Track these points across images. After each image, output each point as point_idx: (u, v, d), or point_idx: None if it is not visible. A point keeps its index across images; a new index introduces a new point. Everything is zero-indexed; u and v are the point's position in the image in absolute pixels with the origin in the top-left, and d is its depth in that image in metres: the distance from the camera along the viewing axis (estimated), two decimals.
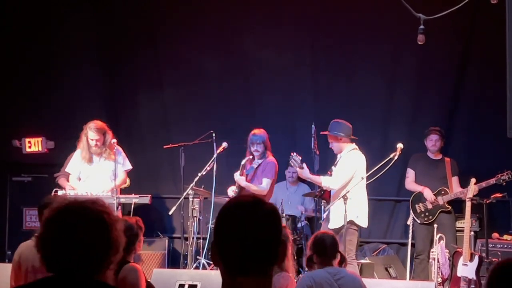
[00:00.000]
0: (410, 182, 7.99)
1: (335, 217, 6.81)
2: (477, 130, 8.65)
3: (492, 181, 7.09)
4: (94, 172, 7.40)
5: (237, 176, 7.41)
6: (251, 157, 7.56)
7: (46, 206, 4.69)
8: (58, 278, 2.18)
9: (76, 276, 2.16)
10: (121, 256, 4.26)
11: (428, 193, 7.71)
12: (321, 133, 7.16)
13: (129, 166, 7.54)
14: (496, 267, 2.24)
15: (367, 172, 6.93)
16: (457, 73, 8.85)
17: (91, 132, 7.24)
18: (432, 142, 7.86)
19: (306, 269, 7.70)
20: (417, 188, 7.86)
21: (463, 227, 7.12)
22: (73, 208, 2.23)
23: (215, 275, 3.94)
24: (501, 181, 7.06)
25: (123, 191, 7.59)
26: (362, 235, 8.78)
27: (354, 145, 7.06)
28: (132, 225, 4.55)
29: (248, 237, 1.90)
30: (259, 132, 7.56)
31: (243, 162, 7.49)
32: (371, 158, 7.26)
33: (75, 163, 7.46)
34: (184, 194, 7.46)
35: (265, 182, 7.43)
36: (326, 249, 4.61)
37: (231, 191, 7.55)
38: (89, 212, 2.21)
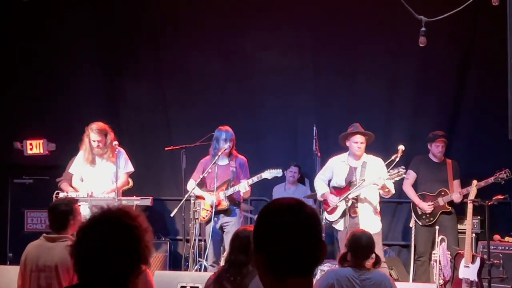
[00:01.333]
0: (409, 185, 7.96)
1: (374, 220, 6.87)
2: (478, 132, 8.64)
3: (491, 179, 7.08)
4: (96, 174, 7.40)
5: (242, 188, 7.21)
6: (209, 156, 7.37)
7: (56, 208, 4.73)
8: (87, 286, 2.28)
9: (104, 284, 2.25)
10: None
11: (423, 206, 7.70)
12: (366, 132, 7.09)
13: (131, 169, 7.53)
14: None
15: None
16: (458, 74, 8.86)
17: (92, 133, 7.25)
18: (439, 149, 7.83)
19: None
20: (414, 198, 7.82)
21: (465, 229, 7.11)
22: (106, 219, 2.32)
23: None
24: (499, 179, 7.05)
25: (125, 193, 7.59)
26: None
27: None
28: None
29: (295, 239, 1.93)
30: (226, 128, 7.30)
31: (209, 167, 7.22)
32: None
33: (78, 165, 7.47)
34: (186, 196, 7.45)
35: (247, 183, 7.17)
36: (361, 248, 4.57)
37: (210, 201, 7.33)
38: (120, 223, 2.31)
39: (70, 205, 4.76)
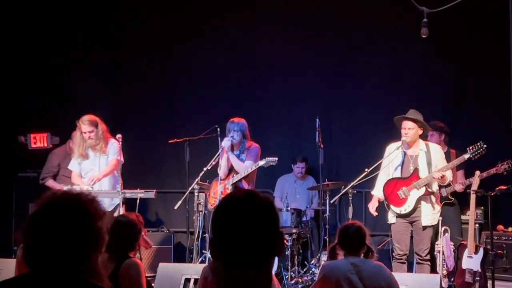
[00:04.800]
0: None
1: (431, 213, 6.83)
2: (481, 123, 8.64)
3: (493, 170, 7.08)
4: (93, 168, 7.44)
5: (225, 142, 7.29)
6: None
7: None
8: (37, 274, 2.12)
9: (54, 272, 2.09)
10: (123, 252, 4.37)
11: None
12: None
13: (120, 158, 7.41)
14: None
15: (371, 167, 6.95)
16: (460, 65, 8.85)
17: (83, 125, 7.31)
18: (428, 137, 7.84)
19: (312, 263, 7.76)
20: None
21: (468, 220, 7.12)
22: (57, 204, 2.17)
23: None
24: (501, 170, 7.05)
25: (126, 185, 7.57)
26: (367, 228, 8.81)
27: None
28: (134, 222, 4.54)
29: (243, 230, 1.94)
30: (237, 120, 7.39)
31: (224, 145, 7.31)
32: (376, 151, 7.27)
33: (75, 160, 7.51)
34: (190, 188, 7.48)
35: (248, 163, 7.30)
36: (348, 239, 4.54)
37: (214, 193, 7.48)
38: (71, 208, 2.16)
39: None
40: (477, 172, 7.05)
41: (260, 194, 2.05)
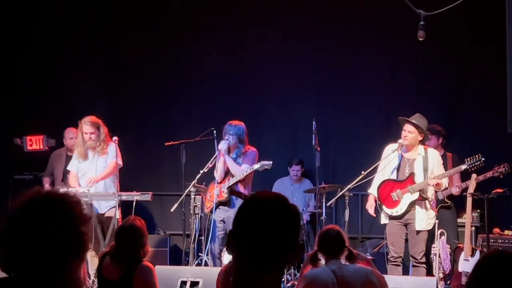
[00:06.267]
0: None
1: (425, 218, 6.83)
2: (478, 126, 8.64)
3: (490, 174, 7.08)
4: (90, 169, 7.43)
5: (222, 144, 7.25)
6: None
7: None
8: (13, 279, 1.94)
9: (31, 277, 1.92)
10: (136, 256, 4.47)
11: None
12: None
13: (119, 161, 7.41)
14: (483, 259, 2.24)
15: (367, 169, 6.96)
16: (457, 68, 8.86)
17: (85, 125, 7.31)
18: (431, 142, 7.84)
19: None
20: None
21: (464, 223, 7.12)
22: (38, 204, 1.98)
23: (217, 272, 3.93)
24: (498, 173, 7.06)
25: (122, 188, 7.56)
26: (363, 231, 8.82)
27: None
28: (141, 228, 4.62)
29: (266, 230, 1.92)
30: (235, 123, 7.34)
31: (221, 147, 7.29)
32: (373, 154, 7.27)
33: (75, 160, 7.51)
34: (186, 191, 7.47)
35: (244, 166, 7.28)
36: (330, 243, 4.33)
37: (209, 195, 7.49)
38: (54, 209, 1.97)
39: None
40: (474, 175, 7.05)
41: (289, 201, 2.02)
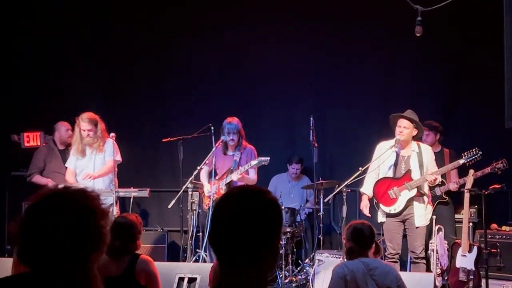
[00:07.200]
0: None
1: (424, 214, 6.86)
2: (475, 122, 8.65)
3: (487, 170, 7.08)
4: (88, 166, 7.42)
5: (235, 175, 7.35)
6: (218, 146, 7.48)
7: None
8: (32, 275, 1.97)
9: (50, 272, 1.94)
10: (132, 250, 4.55)
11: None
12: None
13: (118, 158, 7.43)
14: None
15: (365, 165, 6.97)
16: (454, 64, 8.86)
17: (83, 122, 7.30)
18: (424, 137, 7.85)
19: (306, 262, 7.75)
20: None
21: (462, 219, 7.13)
22: (57, 199, 2.01)
23: None
24: (496, 169, 7.06)
25: (120, 184, 7.56)
26: None
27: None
28: (135, 223, 4.68)
29: (232, 225, 1.86)
30: (233, 120, 7.46)
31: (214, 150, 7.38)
32: (370, 150, 7.27)
33: (73, 156, 7.50)
34: (183, 187, 7.47)
35: (253, 173, 7.41)
36: (365, 240, 4.59)
37: (208, 191, 7.53)
38: (73, 204, 2.00)
39: None
40: (471, 171, 7.05)
41: (269, 194, 1.94)
